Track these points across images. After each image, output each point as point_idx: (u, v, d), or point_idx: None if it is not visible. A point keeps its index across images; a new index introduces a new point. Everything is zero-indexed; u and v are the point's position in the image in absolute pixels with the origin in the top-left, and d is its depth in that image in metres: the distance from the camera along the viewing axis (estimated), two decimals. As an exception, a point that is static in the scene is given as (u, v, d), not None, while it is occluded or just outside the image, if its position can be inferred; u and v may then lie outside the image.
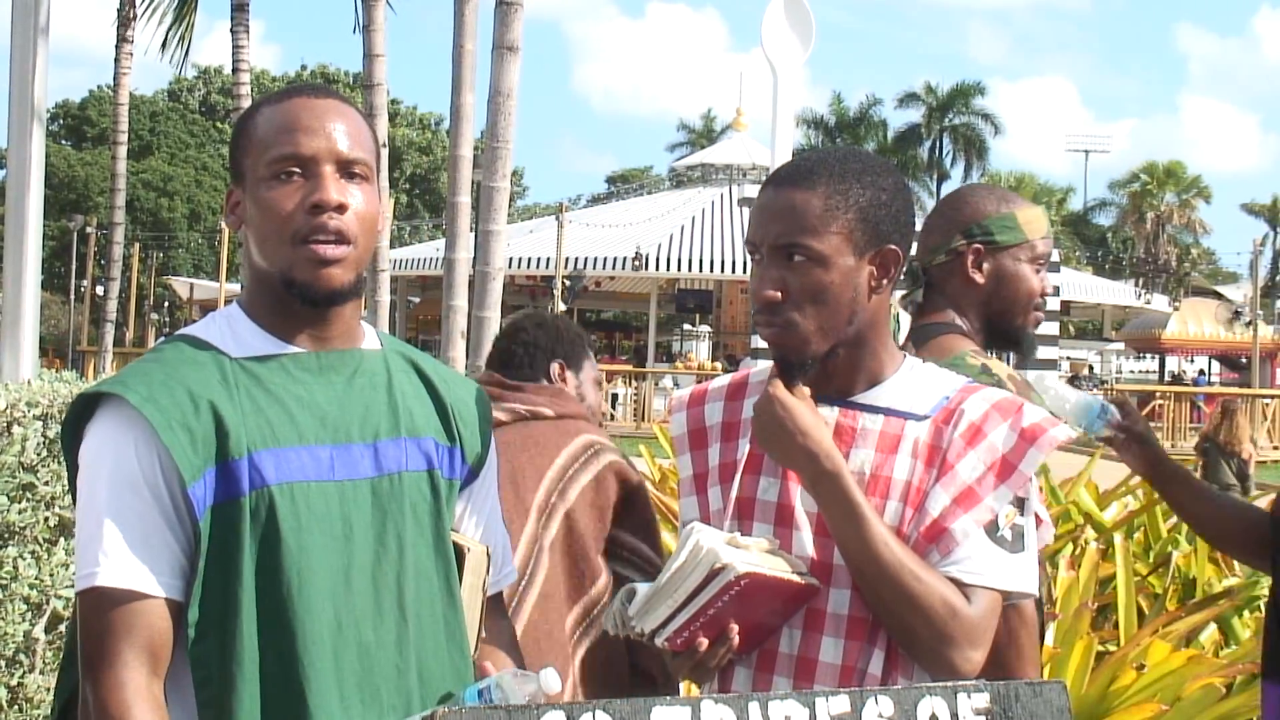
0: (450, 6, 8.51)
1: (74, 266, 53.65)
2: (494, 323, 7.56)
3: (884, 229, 2.30)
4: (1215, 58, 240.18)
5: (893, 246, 2.32)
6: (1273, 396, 32.85)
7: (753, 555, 2.18)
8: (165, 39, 20.93)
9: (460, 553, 2.35)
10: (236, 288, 25.56)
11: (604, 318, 52.70)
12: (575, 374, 3.62)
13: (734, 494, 2.38)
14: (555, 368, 3.58)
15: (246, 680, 2.07)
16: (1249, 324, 40.16)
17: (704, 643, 2.21)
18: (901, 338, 3.03)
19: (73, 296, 54.27)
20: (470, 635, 2.33)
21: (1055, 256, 3.39)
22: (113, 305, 23.72)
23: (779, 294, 2.28)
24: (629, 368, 34.47)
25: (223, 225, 38.73)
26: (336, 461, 2.18)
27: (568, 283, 32.78)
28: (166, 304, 62.73)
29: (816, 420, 2.28)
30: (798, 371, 2.31)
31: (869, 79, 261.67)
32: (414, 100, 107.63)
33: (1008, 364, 3.23)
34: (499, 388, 3.47)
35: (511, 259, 30.55)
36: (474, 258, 7.99)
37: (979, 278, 3.19)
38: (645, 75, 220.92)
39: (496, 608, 2.49)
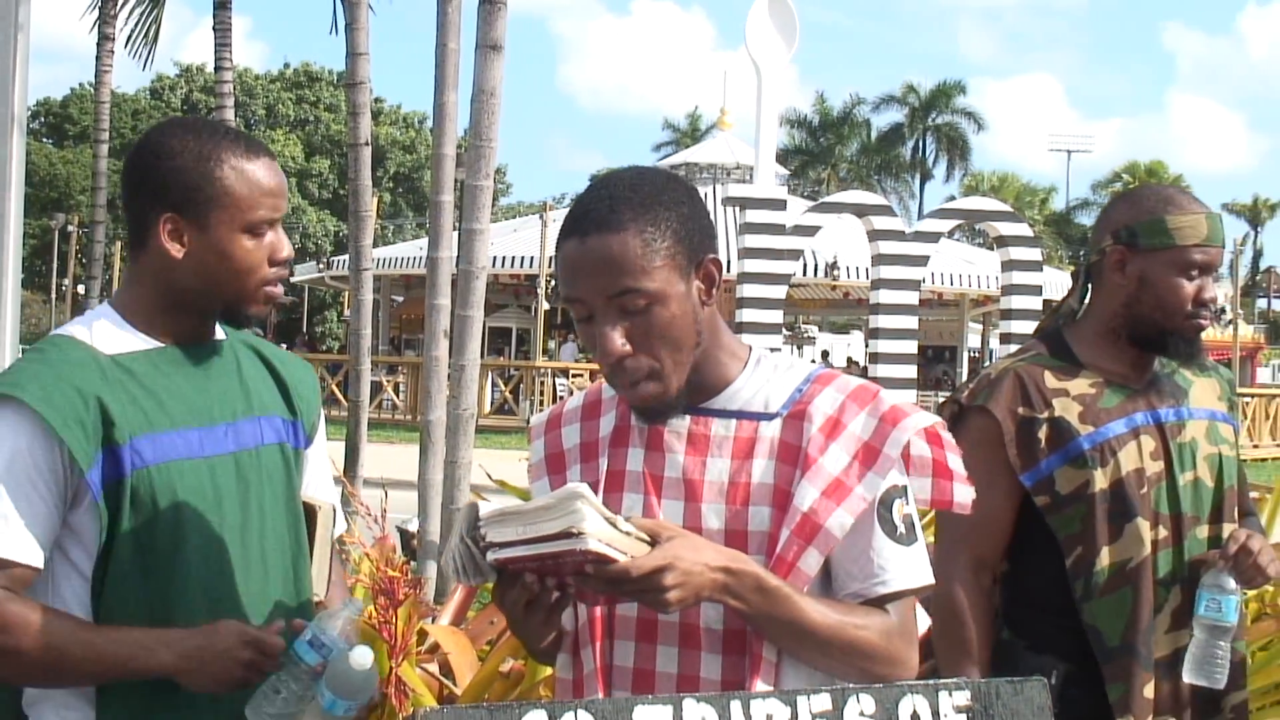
0: (434, 5, 8.48)
1: (55, 265, 53.54)
2: (477, 321, 7.53)
3: (697, 241, 2.25)
4: (1203, 56, 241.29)
5: (711, 256, 2.28)
6: (1254, 395, 32.91)
7: (618, 537, 2.07)
8: (129, 36, 20.71)
9: (312, 511, 2.73)
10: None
11: (587, 317, 52.58)
12: None
13: None
14: None
15: (133, 623, 2.41)
16: (1229, 324, 40.27)
17: (532, 579, 2.15)
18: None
19: (54, 295, 54.10)
20: (320, 579, 2.74)
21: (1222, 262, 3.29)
22: (94, 303, 23.57)
23: (629, 346, 2.21)
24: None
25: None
26: (204, 441, 2.51)
27: (551, 281, 32.74)
28: (148, 302, 62.51)
29: (702, 542, 2.16)
30: (668, 414, 2.30)
31: (859, 78, 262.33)
32: (398, 99, 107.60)
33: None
34: None
35: (495, 258, 30.48)
36: (457, 256, 7.94)
37: (1121, 280, 3.17)
38: (632, 73, 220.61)
39: (336, 553, 2.89)
